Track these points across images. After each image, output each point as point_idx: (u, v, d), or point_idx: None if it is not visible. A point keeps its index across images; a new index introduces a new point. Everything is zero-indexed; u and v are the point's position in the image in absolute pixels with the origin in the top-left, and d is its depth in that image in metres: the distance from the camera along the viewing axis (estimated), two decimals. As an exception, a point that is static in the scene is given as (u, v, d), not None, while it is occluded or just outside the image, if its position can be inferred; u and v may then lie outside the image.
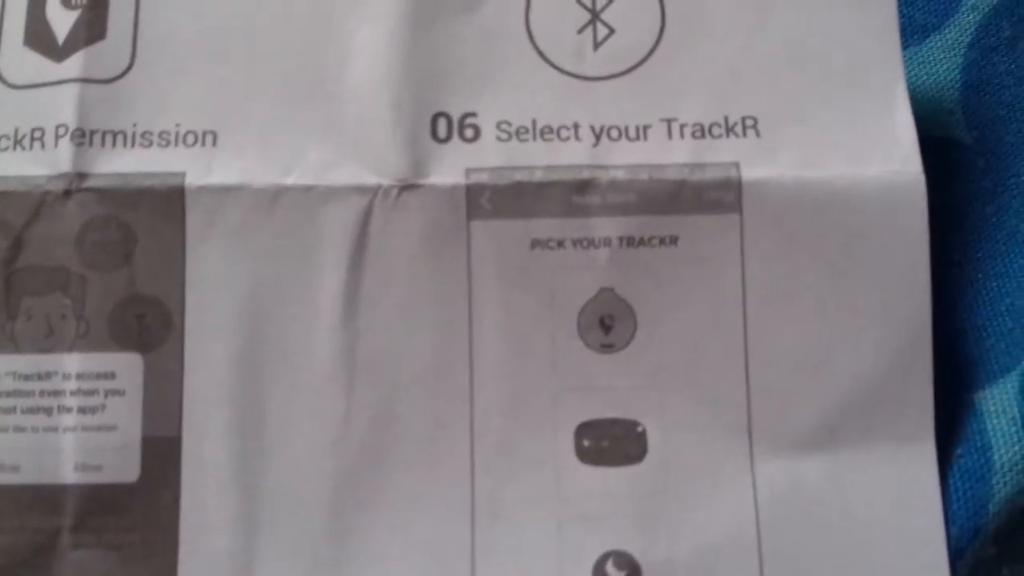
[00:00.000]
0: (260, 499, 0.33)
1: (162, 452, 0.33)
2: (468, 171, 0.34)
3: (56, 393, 0.33)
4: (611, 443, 0.34)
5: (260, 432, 0.33)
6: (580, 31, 0.35)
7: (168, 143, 0.34)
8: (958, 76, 0.40)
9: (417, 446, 0.33)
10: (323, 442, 0.33)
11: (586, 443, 0.34)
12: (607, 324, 0.34)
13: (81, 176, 0.34)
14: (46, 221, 0.34)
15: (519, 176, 0.34)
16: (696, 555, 0.33)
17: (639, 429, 0.34)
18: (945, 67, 0.40)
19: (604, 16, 0.35)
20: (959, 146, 0.38)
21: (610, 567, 0.33)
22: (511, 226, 0.34)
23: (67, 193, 0.34)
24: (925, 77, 0.40)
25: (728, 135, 0.34)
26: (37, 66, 0.35)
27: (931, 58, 0.40)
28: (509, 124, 0.35)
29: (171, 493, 0.33)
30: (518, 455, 0.33)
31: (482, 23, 0.35)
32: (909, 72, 0.38)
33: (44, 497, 0.33)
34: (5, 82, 0.35)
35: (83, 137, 0.34)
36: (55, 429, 0.33)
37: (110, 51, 0.35)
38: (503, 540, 0.33)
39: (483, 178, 0.34)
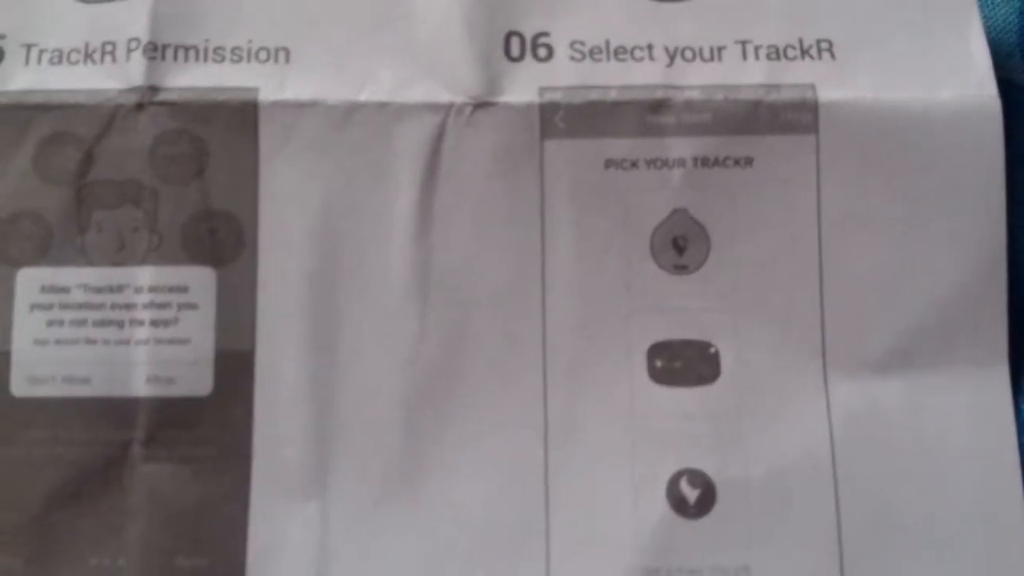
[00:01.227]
0: (333, 414, 0.33)
1: (235, 366, 0.33)
2: (542, 90, 0.34)
3: (128, 306, 0.33)
4: (683, 364, 0.33)
5: (334, 347, 0.33)
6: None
7: (240, 58, 0.34)
8: (1016, 20, 0.39)
9: (489, 363, 0.33)
10: (397, 358, 0.33)
11: (658, 363, 0.33)
12: (680, 245, 0.34)
13: (153, 89, 0.34)
14: (118, 134, 0.34)
15: (593, 95, 0.34)
16: (770, 475, 0.33)
17: (712, 350, 0.34)
18: (1004, 11, 0.40)
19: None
20: (1018, 89, 0.37)
21: (684, 485, 0.33)
22: (585, 145, 0.34)
23: (139, 106, 0.34)
24: (985, 20, 0.40)
25: (803, 57, 0.34)
26: (105, -20, 0.34)
27: (991, 1, 0.40)
28: (582, 44, 0.34)
29: (244, 407, 0.33)
30: (591, 374, 0.33)
31: None
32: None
33: (115, 410, 0.33)
34: (77, -4, 0.35)
35: (155, 51, 0.34)
36: (127, 342, 0.33)
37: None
38: (576, 457, 0.33)
39: (557, 97, 0.34)
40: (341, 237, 0.33)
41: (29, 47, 0.34)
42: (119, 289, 0.33)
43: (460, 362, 0.33)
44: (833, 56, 0.34)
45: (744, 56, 0.34)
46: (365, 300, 0.33)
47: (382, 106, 0.34)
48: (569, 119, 0.34)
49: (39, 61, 0.34)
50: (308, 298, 0.33)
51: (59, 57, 0.34)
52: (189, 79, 0.34)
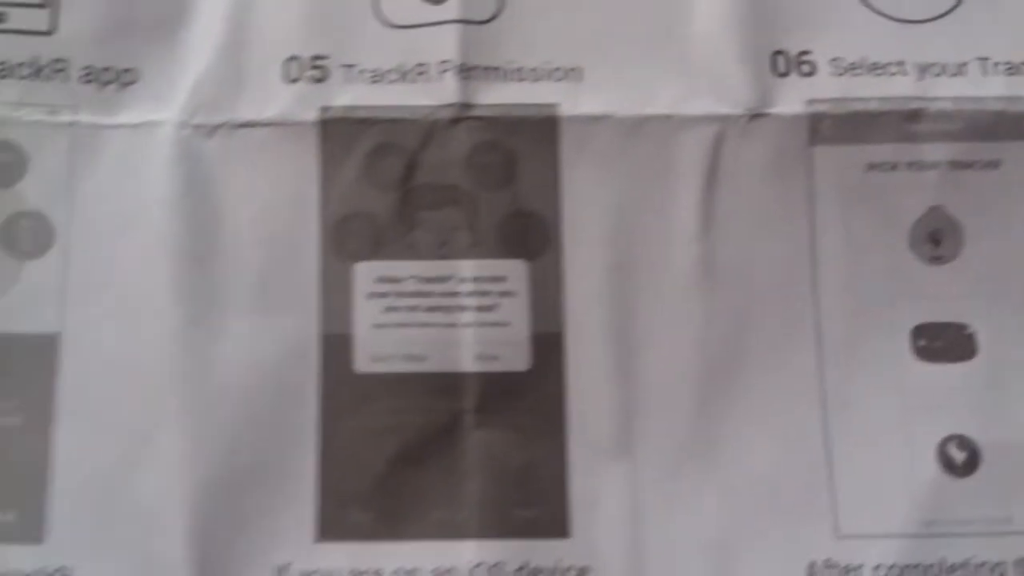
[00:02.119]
0: (635, 389, 0.38)
1: (548, 346, 0.38)
2: (809, 102, 0.39)
3: (454, 294, 0.38)
4: (944, 343, 0.38)
5: (632, 331, 0.38)
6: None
7: (539, 77, 0.39)
8: None
9: (770, 345, 0.38)
10: (688, 340, 0.38)
11: (921, 343, 0.38)
12: (936, 238, 0.39)
13: (466, 106, 0.39)
14: (438, 145, 0.39)
15: (856, 106, 0.39)
16: None
17: (968, 331, 0.38)
18: None
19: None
20: None
21: (952, 448, 0.37)
22: (849, 151, 0.39)
23: (455, 121, 0.39)
24: None
25: None
26: (417, 9, 0.40)
27: None
28: (842, 60, 0.39)
29: (558, 382, 0.38)
30: (862, 353, 0.38)
31: None
32: None
33: (448, 383, 0.38)
34: (389, 23, 0.40)
35: (466, 71, 0.39)
36: (455, 325, 0.38)
37: (484, -4, 0.40)
38: (854, 425, 0.37)
39: (824, 108, 0.39)
40: (634, 234, 0.38)
41: (349, 67, 0.39)
42: (445, 279, 0.38)
43: (743, 343, 0.38)
44: None
45: (984, 72, 0.39)
46: (657, 289, 0.38)
47: (667, 118, 0.39)
48: (835, 128, 0.39)
49: (359, 80, 0.39)
50: (609, 287, 0.38)
51: (377, 76, 0.39)
52: (496, 96, 0.39)
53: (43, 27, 0.39)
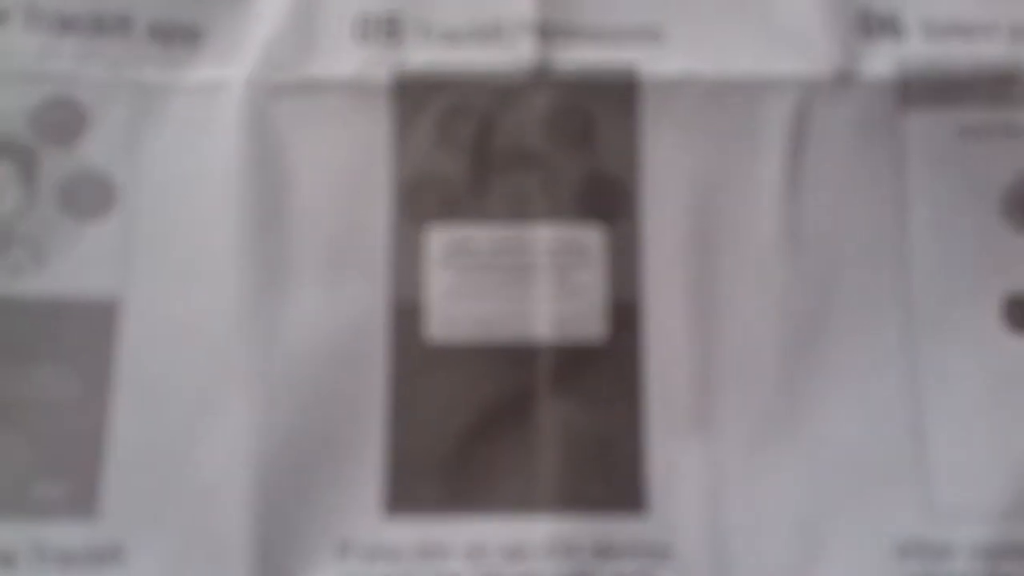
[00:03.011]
0: (715, 360, 0.36)
1: (625, 315, 0.36)
2: (899, 65, 0.37)
3: (528, 260, 0.37)
4: (1037, 314, 0.36)
5: (712, 298, 0.36)
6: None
7: (618, 37, 0.38)
8: None
9: (856, 314, 0.36)
10: (770, 308, 0.36)
11: (1013, 312, 0.36)
12: (1029, 206, 0.37)
13: (543, 67, 0.37)
14: (514, 107, 0.37)
15: (947, 70, 0.37)
16: None
17: (1062, 303, 0.36)
18: None
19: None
20: None
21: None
22: (940, 116, 0.37)
23: (532, 82, 0.37)
24: None
25: None
26: (493, -34, 0.38)
27: None
28: (932, 23, 0.38)
29: (635, 353, 0.36)
30: (952, 322, 0.36)
31: None
32: None
33: (522, 354, 0.36)
34: (464, -20, 0.38)
35: (543, 31, 0.38)
36: (529, 293, 0.36)
37: (562, -45, 0.38)
38: (945, 398, 0.36)
39: (914, 71, 0.37)
40: (716, 199, 0.37)
41: (423, 25, 0.38)
42: (520, 245, 0.37)
43: (828, 312, 0.36)
44: None
45: None
46: (740, 255, 0.36)
47: (750, 80, 0.37)
48: (926, 91, 0.37)
49: (432, 40, 0.38)
50: (688, 253, 0.36)
51: (450, 35, 0.38)
52: (574, 57, 0.38)
53: (106, -19, 0.37)
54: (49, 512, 0.33)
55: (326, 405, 0.35)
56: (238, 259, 0.36)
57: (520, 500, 0.35)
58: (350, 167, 0.37)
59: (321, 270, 0.36)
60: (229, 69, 0.37)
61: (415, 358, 0.36)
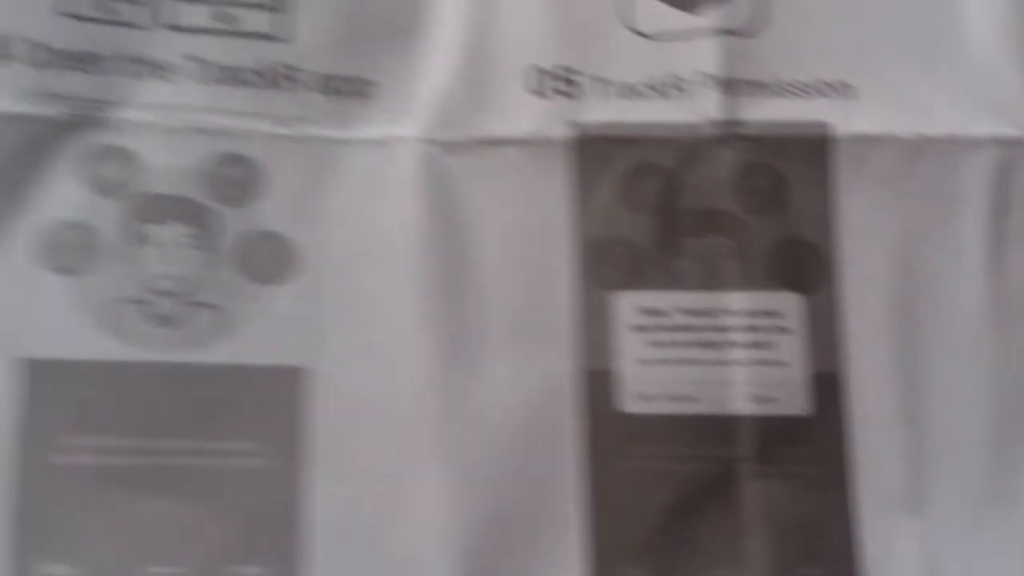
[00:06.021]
0: (925, 434, 0.34)
1: (829, 387, 0.35)
2: None
3: (723, 329, 0.35)
4: None
5: (918, 368, 0.34)
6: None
7: (808, 93, 0.36)
8: None
9: None
10: (979, 377, 0.34)
11: None
12: None
13: (731, 123, 0.36)
14: (702, 166, 0.36)
15: None
16: None
17: None
18: None
19: None
20: None
21: None
22: None
23: (720, 139, 0.35)
24: None
25: None
26: (672, 17, 0.37)
27: None
28: None
29: (841, 427, 0.34)
30: None
31: None
32: None
33: (720, 426, 0.34)
34: (641, 32, 0.37)
35: (728, 87, 0.36)
36: (725, 363, 0.34)
37: (746, 6, 0.36)
38: None
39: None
40: (916, 263, 0.35)
41: (599, 80, 0.36)
42: (713, 313, 0.35)
43: None
44: None
45: None
46: (944, 324, 0.35)
47: (951, 140, 0.35)
48: None
49: (610, 94, 0.36)
50: (891, 323, 0.35)
51: (630, 90, 0.36)
52: (763, 113, 0.36)
53: (276, 33, 0.35)
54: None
55: (521, 480, 0.34)
56: (424, 329, 0.34)
57: None
58: (530, 224, 0.35)
59: (507, 338, 0.34)
60: (402, 125, 0.35)
61: (610, 429, 0.34)
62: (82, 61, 0.35)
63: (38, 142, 0.34)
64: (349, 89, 0.36)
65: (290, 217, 0.34)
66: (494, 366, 0.34)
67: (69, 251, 0.33)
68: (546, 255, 0.35)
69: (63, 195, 0.34)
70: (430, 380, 0.34)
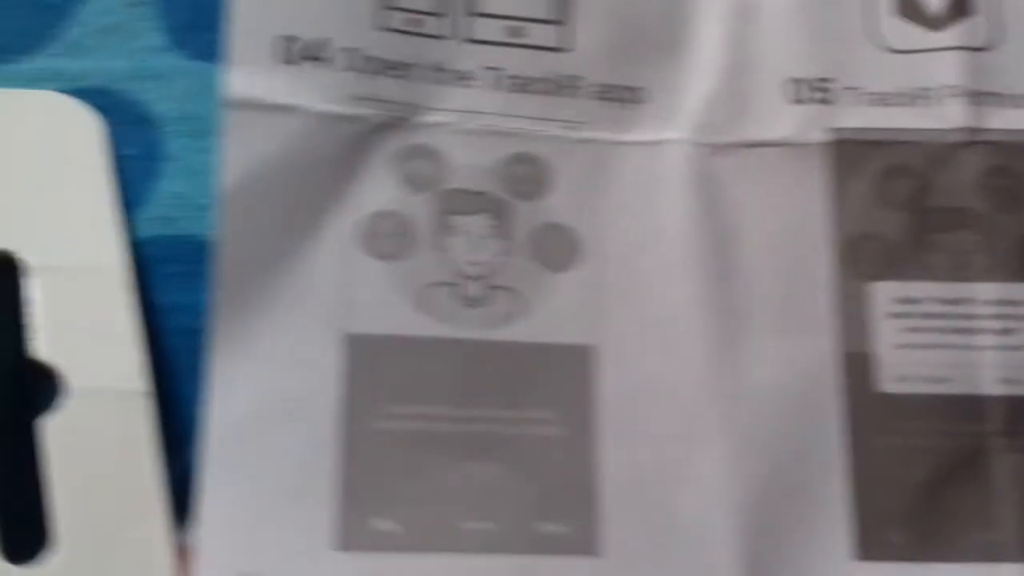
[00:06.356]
0: None
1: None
2: None
3: (971, 316, 0.38)
4: None
5: None
6: None
7: None
8: None
9: None
10: None
11: None
12: None
13: (974, 130, 0.39)
14: (948, 168, 0.39)
15: None
16: None
17: None
18: None
19: None
20: None
21: None
22: None
23: (964, 144, 0.39)
24: None
25: None
26: (916, 35, 0.40)
27: None
28: None
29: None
30: None
31: None
32: None
33: (971, 405, 0.38)
34: (888, 47, 0.40)
35: (971, 97, 0.39)
36: (974, 347, 0.38)
37: (983, 24, 0.40)
38: None
39: None
40: None
41: (852, 90, 0.40)
42: (964, 302, 0.38)
43: None
44: None
45: None
46: None
47: None
48: None
49: (863, 103, 0.40)
50: None
51: (881, 99, 0.40)
52: (1002, 122, 0.39)
53: (560, 44, 0.39)
54: (556, 551, 0.35)
55: (789, 454, 0.37)
56: (700, 314, 0.38)
57: (988, 549, 0.36)
58: (790, 221, 0.39)
59: (773, 322, 0.38)
60: (670, 129, 0.39)
61: (871, 408, 0.37)
62: (394, 68, 0.38)
63: (358, 140, 0.38)
64: (623, 96, 0.40)
65: (575, 210, 0.38)
66: (763, 348, 0.38)
67: (387, 239, 0.37)
68: (806, 248, 0.38)
69: (380, 189, 0.38)
70: (707, 359, 0.37)
